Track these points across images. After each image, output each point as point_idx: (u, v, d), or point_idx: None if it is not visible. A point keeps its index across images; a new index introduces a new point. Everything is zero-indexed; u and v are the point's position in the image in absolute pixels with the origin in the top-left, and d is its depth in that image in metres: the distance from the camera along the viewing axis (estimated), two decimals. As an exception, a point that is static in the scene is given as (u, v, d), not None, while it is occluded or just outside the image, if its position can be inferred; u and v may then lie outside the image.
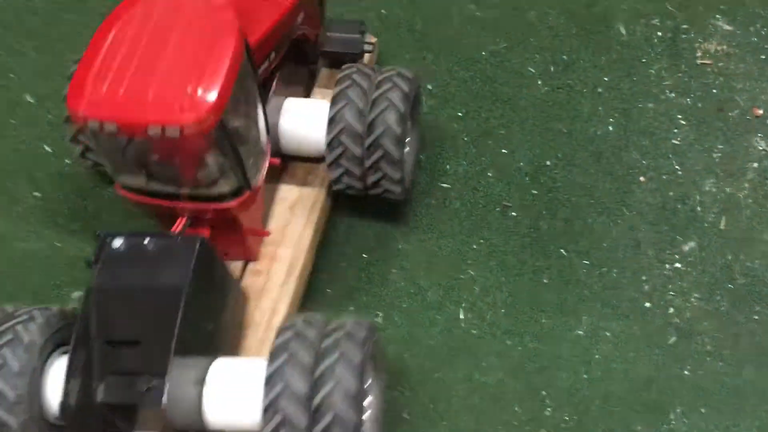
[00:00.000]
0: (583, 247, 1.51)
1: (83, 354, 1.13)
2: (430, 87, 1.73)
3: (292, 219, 1.44)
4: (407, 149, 1.48)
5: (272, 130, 1.42)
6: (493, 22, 1.84)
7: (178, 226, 1.26)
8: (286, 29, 1.41)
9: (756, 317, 1.43)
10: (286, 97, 1.47)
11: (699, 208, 1.56)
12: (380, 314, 1.44)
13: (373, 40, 1.68)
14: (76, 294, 1.46)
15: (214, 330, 1.22)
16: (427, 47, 1.79)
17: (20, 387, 1.12)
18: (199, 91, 1.12)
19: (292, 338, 1.15)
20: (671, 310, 1.44)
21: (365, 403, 1.17)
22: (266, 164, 1.34)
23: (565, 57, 1.78)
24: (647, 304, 1.45)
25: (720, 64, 1.75)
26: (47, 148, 1.69)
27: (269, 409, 1.11)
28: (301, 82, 1.57)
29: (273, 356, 1.13)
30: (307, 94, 1.59)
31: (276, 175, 1.48)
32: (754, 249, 1.50)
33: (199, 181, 1.24)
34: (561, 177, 1.61)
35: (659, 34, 1.80)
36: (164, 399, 1.09)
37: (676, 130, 1.67)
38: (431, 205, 1.58)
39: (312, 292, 1.44)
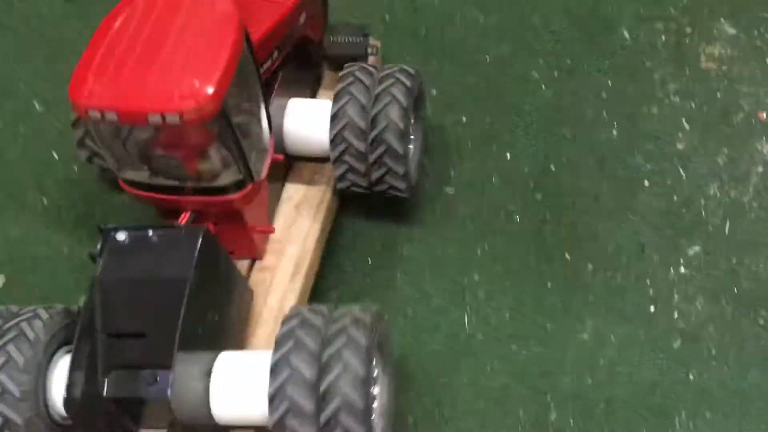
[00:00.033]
0: (588, 252, 1.51)
1: (87, 347, 1.13)
2: (434, 92, 1.74)
3: (299, 218, 1.45)
4: (412, 146, 1.49)
5: (277, 130, 1.43)
6: (497, 27, 1.85)
7: (182, 221, 1.27)
8: (288, 29, 1.43)
9: (761, 321, 1.43)
10: (290, 98, 1.48)
11: (704, 213, 1.56)
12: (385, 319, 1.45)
13: (377, 44, 1.69)
14: (84, 299, 1.47)
15: (220, 322, 1.22)
16: (431, 53, 1.80)
17: (25, 383, 1.13)
18: (199, 79, 1.13)
19: (297, 325, 1.14)
20: (676, 314, 1.44)
21: (374, 392, 1.16)
22: (269, 159, 1.34)
23: (569, 62, 1.78)
24: (652, 309, 1.45)
25: (724, 68, 1.75)
26: (55, 155, 1.70)
27: (275, 397, 1.09)
28: (306, 85, 1.58)
29: (278, 343, 1.12)
30: (312, 97, 1.61)
31: (282, 175, 1.49)
32: (759, 253, 1.50)
33: (202, 173, 1.25)
34: (565, 182, 1.61)
35: (663, 38, 1.80)
36: (169, 391, 1.08)
37: (680, 135, 1.67)
38: (436, 210, 1.59)
39: (317, 297, 1.45)
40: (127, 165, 1.26)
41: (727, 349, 1.39)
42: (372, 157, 1.40)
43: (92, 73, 1.15)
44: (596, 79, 1.75)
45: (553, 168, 1.63)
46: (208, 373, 1.16)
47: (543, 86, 1.75)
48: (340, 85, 1.43)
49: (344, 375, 1.09)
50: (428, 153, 1.63)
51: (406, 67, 1.48)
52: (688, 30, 1.81)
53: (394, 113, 1.39)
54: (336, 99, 1.42)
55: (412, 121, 1.49)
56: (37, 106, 1.78)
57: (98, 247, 1.19)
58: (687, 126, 1.68)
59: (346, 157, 1.42)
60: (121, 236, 1.19)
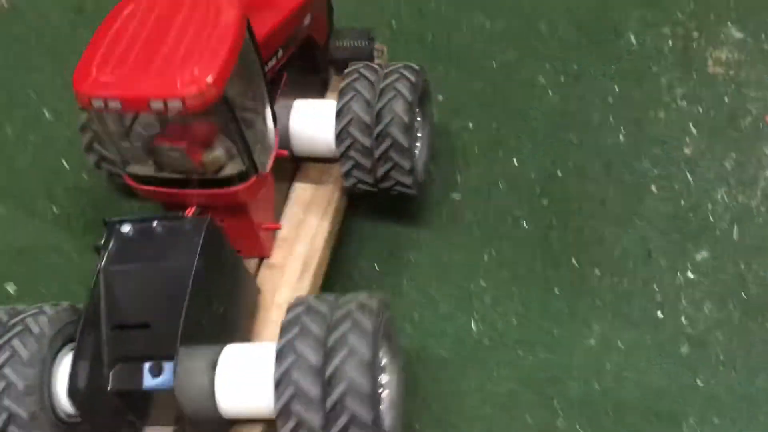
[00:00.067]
0: (595, 257, 1.51)
1: (91, 339, 1.12)
2: (440, 98, 1.74)
3: (307, 218, 1.46)
4: (419, 144, 1.49)
5: (283, 130, 1.44)
6: (503, 33, 1.85)
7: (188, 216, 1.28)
8: (293, 29, 1.44)
9: (769, 326, 1.42)
10: (296, 99, 1.49)
11: (711, 218, 1.55)
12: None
13: (383, 47, 1.70)
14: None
15: (225, 315, 1.21)
16: (437, 58, 1.81)
17: (29, 377, 1.12)
18: (201, 67, 1.15)
19: (303, 312, 1.13)
20: (683, 319, 1.44)
21: (382, 380, 1.16)
22: (273, 153, 1.35)
23: (575, 67, 1.78)
24: (659, 314, 1.44)
25: (731, 73, 1.75)
26: (65, 164, 1.72)
27: (281, 382, 1.09)
28: (313, 88, 1.59)
29: (284, 330, 1.12)
30: None
31: (289, 175, 1.50)
32: (766, 258, 1.50)
33: (206, 165, 1.26)
34: (572, 187, 1.61)
35: (670, 43, 1.80)
36: (173, 380, 1.07)
37: (687, 139, 1.66)
38: (442, 216, 1.59)
39: (324, 303, 1.46)
40: (132, 159, 1.27)
41: (735, 354, 1.39)
42: (377, 152, 1.41)
43: (95, 65, 1.17)
44: (603, 84, 1.75)
45: (559, 173, 1.63)
46: (214, 365, 1.16)
47: (549, 91, 1.75)
48: (344, 82, 1.44)
49: (350, 359, 1.08)
50: (435, 159, 1.63)
51: (410, 64, 1.48)
52: (695, 35, 1.81)
53: (399, 107, 1.40)
54: (341, 95, 1.43)
55: (419, 118, 1.49)
56: (47, 114, 1.80)
57: (103, 239, 1.19)
58: (694, 130, 1.68)
59: (352, 153, 1.42)
60: (126, 228, 1.20)
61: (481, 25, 1.87)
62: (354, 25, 1.75)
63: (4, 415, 1.11)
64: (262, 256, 1.39)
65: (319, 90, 1.62)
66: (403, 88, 1.42)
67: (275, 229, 1.41)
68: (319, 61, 1.59)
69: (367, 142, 1.40)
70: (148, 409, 1.14)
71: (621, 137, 1.67)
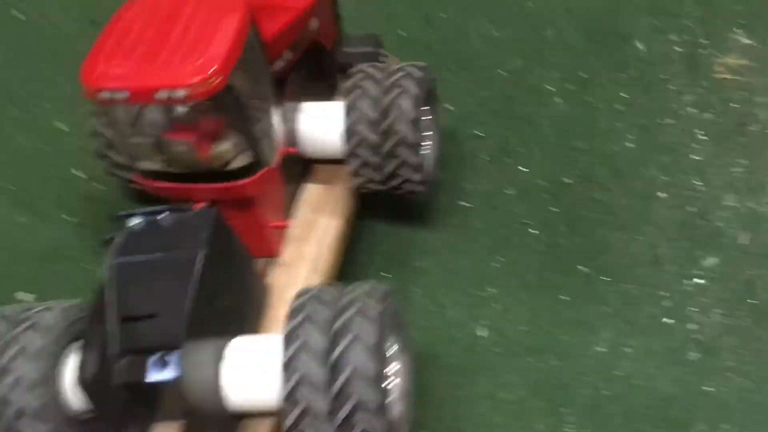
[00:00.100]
0: (603, 264, 1.52)
1: (100, 331, 1.13)
2: (448, 106, 1.75)
3: (317, 219, 1.47)
4: (427, 142, 1.50)
5: (292, 132, 1.46)
6: (511, 40, 1.86)
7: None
8: (300, 32, 1.47)
9: (779, 332, 1.42)
10: (304, 101, 1.51)
11: (720, 224, 1.55)
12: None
13: (388, 55, 1.72)
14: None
15: (232, 308, 1.22)
16: (445, 67, 1.82)
17: (38, 370, 1.13)
18: (205, 58, 1.18)
19: (309, 299, 1.14)
20: (693, 326, 1.44)
21: (392, 369, 1.16)
22: (280, 149, 1.37)
23: (583, 74, 1.79)
24: (668, 320, 1.45)
25: (740, 79, 1.75)
26: (77, 173, 1.74)
27: (288, 367, 1.09)
28: (321, 93, 1.61)
29: (291, 316, 1.12)
30: None
31: (299, 176, 1.51)
32: (776, 264, 1.50)
33: (213, 158, 1.27)
34: (580, 194, 1.62)
35: (678, 49, 1.81)
36: (179, 372, 1.08)
37: (696, 146, 1.67)
38: (451, 223, 1.60)
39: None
40: (140, 155, 1.29)
41: (745, 360, 1.39)
42: (385, 148, 1.41)
43: (103, 59, 1.20)
44: (611, 91, 1.75)
45: (567, 180, 1.64)
46: (220, 357, 1.16)
47: (557, 99, 1.76)
48: (351, 81, 1.46)
49: (356, 343, 1.08)
50: (443, 166, 1.64)
51: (416, 62, 1.50)
52: (703, 41, 1.81)
53: (405, 103, 1.41)
54: (347, 93, 1.45)
55: (427, 116, 1.50)
56: (60, 125, 1.83)
57: (112, 234, 1.21)
58: (702, 137, 1.68)
59: (360, 150, 1.43)
60: (134, 221, 1.22)
61: (489, 33, 1.88)
62: (361, 33, 1.77)
63: (13, 408, 1.12)
64: (271, 255, 1.40)
65: (327, 94, 1.64)
66: (409, 84, 1.43)
67: (284, 228, 1.42)
68: (327, 66, 1.61)
69: (374, 139, 1.41)
70: (157, 402, 1.14)
71: (629, 144, 1.68)
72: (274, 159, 1.34)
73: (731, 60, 1.78)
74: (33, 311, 1.19)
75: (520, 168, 1.66)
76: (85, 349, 1.13)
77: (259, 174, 1.30)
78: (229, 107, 1.23)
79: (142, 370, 1.11)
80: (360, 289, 1.16)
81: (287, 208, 1.46)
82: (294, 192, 1.50)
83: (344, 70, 1.64)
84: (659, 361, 1.40)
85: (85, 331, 1.14)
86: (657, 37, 1.83)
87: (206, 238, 1.17)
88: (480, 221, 1.60)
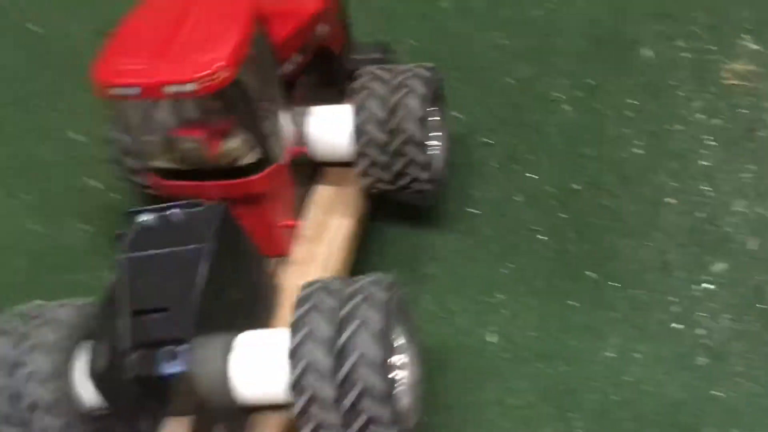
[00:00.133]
0: (612, 270, 1.52)
1: (111, 324, 1.15)
2: (457, 114, 1.77)
3: (327, 220, 1.49)
4: (436, 142, 1.52)
5: (302, 136, 1.49)
6: (519, 48, 1.88)
7: None
8: (308, 36, 1.51)
9: (789, 337, 1.42)
10: (313, 105, 1.54)
11: (729, 229, 1.55)
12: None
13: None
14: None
15: (242, 303, 1.24)
16: (453, 75, 1.83)
17: (52, 363, 1.15)
18: (213, 53, 1.22)
19: (316, 289, 1.16)
20: (701, 331, 1.44)
21: (399, 361, 1.17)
22: (289, 147, 1.39)
23: (591, 81, 1.80)
24: (677, 326, 1.45)
25: (748, 84, 1.75)
26: (93, 183, 1.77)
27: (294, 355, 1.10)
28: (331, 98, 1.63)
29: (297, 305, 1.14)
30: None
31: (309, 178, 1.54)
32: (785, 269, 1.50)
33: (223, 155, 1.30)
34: (589, 201, 1.62)
35: (685, 55, 1.81)
36: (188, 365, 1.10)
37: (704, 152, 1.67)
38: (460, 230, 1.62)
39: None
40: (151, 153, 1.33)
41: (754, 365, 1.39)
42: (393, 147, 1.43)
43: (113, 57, 1.25)
44: (619, 98, 1.76)
45: (576, 187, 1.65)
46: (229, 350, 1.18)
47: (565, 106, 1.77)
48: (359, 81, 1.49)
49: (362, 329, 1.09)
50: (452, 174, 1.66)
51: (423, 63, 1.53)
52: (711, 47, 1.82)
53: (413, 101, 1.44)
54: (355, 93, 1.47)
55: (435, 117, 1.53)
56: (76, 137, 1.86)
57: (124, 230, 1.24)
58: (711, 143, 1.68)
59: (368, 150, 1.45)
60: (145, 217, 1.25)
61: (497, 42, 1.90)
62: (371, 40, 1.79)
63: (27, 401, 1.14)
64: (281, 254, 1.42)
65: (336, 99, 1.66)
66: (416, 83, 1.46)
67: (293, 227, 1.45)
68: (336, 72, 1.64)
69: (382, 138, 1.44)
70: (168, 397, 1.16)
71: (637, 150, 1.69)
72: (283, 157, 1.37)
73: (739, 66, 1.78)
74: (47, 308, 1.22)
75: (529, 175, 1.67)
76: (96, 343, 1.15)
77: (267, 170, 1.33)
78: (237, 103, 1.26)
79: (152, 364, 1.13)
80: (366, 279, 1.18)
81: (297, 209, 1.49)
82: (304, 194, 1.52)
83: (353, 75, 1.67)
84: (668, 367, 1.40)
85: (96, 324, 1.17)
86: (665, 43, 1.84)
87: (214, 232, 1.20)
88: (489, 228, 1.61)
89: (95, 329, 1.16)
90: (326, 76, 1.61)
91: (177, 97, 1.22)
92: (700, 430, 1.33)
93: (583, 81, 1.80)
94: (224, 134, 1.31)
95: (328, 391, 1.09)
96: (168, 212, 1.25)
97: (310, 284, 1.19)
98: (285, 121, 1.41)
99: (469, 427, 1.37)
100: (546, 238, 1.58)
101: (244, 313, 1.25)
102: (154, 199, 1.36)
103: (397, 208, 1.60)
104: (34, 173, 1.84)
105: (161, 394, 1.16)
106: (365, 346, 1.09)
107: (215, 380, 1.17)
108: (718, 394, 1.36)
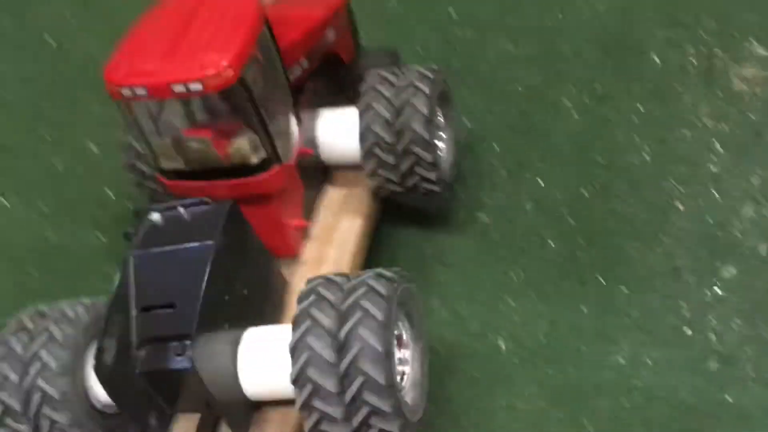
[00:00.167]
0: (622, 275, 1.53)
1: (120, 321, 1.18)
2: (467, 122, 1.78)
3: (337, 223, 1.51)
4: (443, 143, 1.54)
5: (311, 139, 1.53)
6: (528, 57, 1.89)
7: None
8: (315, 42, 1.55)
9: (800, 342, 1.42)
10: (322, 109, 1.57)
11: (739, 234, 1.56)
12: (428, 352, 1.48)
13: None
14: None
15: (248, 297, 1.26)
16: (463, 84, 1.85)
17: (63, 358, 1.18)
18: (219, 52, 1.27)
19: (319, 283, 1.18)
20: (712, 336, 1.44)
21: (403, 355, 1.18)
22: (297, 148, 1.43)
23: (599, 88, 1.81)
24: (688, 331, 1.45)
25: (757, 90, 1.75)
26: (110, 193, 1.80)
27: (296, 348, 1.12)
28: (340, 104, 1.66)
29: (300, 299, 1.16)
30: None
31: (319, 181, 1.57)
32: (796, 274, 1.50)
33: (231, 155, 1.33)
34: (598, 207, 1.63)
35: (694, 61, 1.82)
36: (194, 359, 1.12)
37: (713, 157, 1.67)
38: (470, 237, 1.63)
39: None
40: (162, 155, 1.36)
41: (765, 369, 1.39)
42: (400, 147, 1.46)
43: (124, 60, 1.30)
44: (627, 104, 1.77)
45: (585, 193, 1.65)
46: (237, 345, 1.20)
47: (574, 113, 1.78)
48: (365, 84, 1.52)
49: (363, 321, 1.11)
50: (462, 181, 1.67)
51: (428, 65, 1.55)
52: (719, 53, 1.82)
53: (418, 101, 1.46)
54: (362, 96, 1.50)
55: (441, 118, 1.55)
56: (93, 148, 1.90)
57: (134, 229, 1.28)
58: (720, 148, 1.68)
59: (376, 150, 1.47)
60: (154, 216, 1.28)
61: (506, 50, 1.91)
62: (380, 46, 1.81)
63: (38, 395, 1.17)
64: (291, 255, 1.45)
65: (346, 104, 1.68)
66: (421, 84, 1.48)
67: (303, 227, 1.47)
68: (345, 78, 1.67)
69: (389, 138, 1.46)
70: (175, 391, 1.18)
71: (646, 156, 1.69)
72: (291, 157, 1.40)
73: (748, 71, 1.78)
74: (62, 306, 1.25)
75: (538, 181, 1.68)
76: (103, 338, 1.17)
77: (275, 169, 1.36)
78: (243, 102, 1.29)
79: (159, 359, 1.15)
80: (369, 273, 1.20)
81: (308, 210, 1.51)
82: (315, 196, 1.55)
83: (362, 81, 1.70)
84: (679, 372, 1.40)
85: (104, 321, 1.19)
86: (673, 49, 1.84)
87: (220, 229, 1.23)
88: (498, 234, 1.62)
89: (103, 325, 1.19)
90: (335, 81, 1.64)
91: (183, 96, 1.26)
92: (712, 434, 1.34)
93: (590, 88, 1.81)
94: (232, 134, 1.34)
95: (329, 383, 1.11)
96: (176, 211, 1.28)
97: (313, 278, 1.21)
98: (293, 122, 1.44)
99: (480, 431, 1.38)
100: (555, 244, 1.59)
101: (252, 310, 1.27)
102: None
103: (407, 215, 1.62)
104: (50, 183, 1.87)
105: (168, 389, 1.18)
106: (366, 338, 1.10)
107: (223, 375, 1.19)
108: (729, 398, 1.36)
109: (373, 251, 1.58)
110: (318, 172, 1.55)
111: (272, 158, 1.35)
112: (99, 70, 1.99)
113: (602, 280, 1.53)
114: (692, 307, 1.48)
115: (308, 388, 1.10)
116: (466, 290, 1.55)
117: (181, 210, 1.27)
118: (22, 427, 1.17)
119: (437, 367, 1.44)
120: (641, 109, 1.76)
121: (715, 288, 1.50)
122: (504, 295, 1.53)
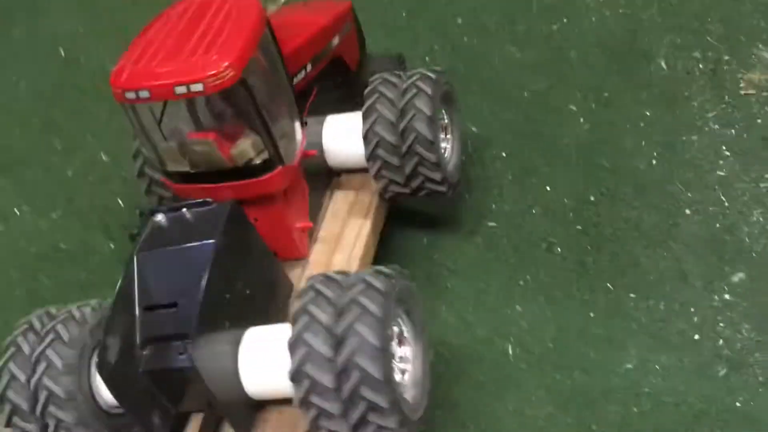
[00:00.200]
0: (630, 281, 1.53)
1: (123, 320, 1.19)
2: (473, 128, 1.79)
3: (345, 227, 1.52)
4: (447, 145, 1.55)
5: (317, 144, 1.54)
6: (534, 63, 1.89)
7: None
8: (321, 47, 1.57)
9: (810, 347, 1.41)
10: (327, 114, 1.59)
11: (747, 239, 1.55)
12: (430, 351, 1.48)
13: None
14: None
15: (251, 296, 1.27)
16: (470, 90, 1.85)
17: (69, 357, 1.20)
18: (220, 54, 1.29)
19: (318, 281, 1.19)
20: (721, 341, 1.43)
21: (404, 353, 1.19)
22: (300, 149, 1.44)
23: (606, 94, 1.81)
24: (696, 336, 1.45)
25: (764, 94, 1.75)
26: (120, 202, 1.82)
27: (295, 344, 1.13)
28: (346, 110, 1.67)
29: (299, 296, 1.17)
30: None
31: (325, 184, 1.59)
32: (805, 278, 1.49)
33: (234, 157, 1.35)
34: (605, 212, 1.63)
35: (701, 66, 1.82)
36: (195, 357, 1.13)
37: (721, 162, 1.67)
38: (478, 243, 1.63)
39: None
40: (168, 158, 1.39)
41: (775, 375, 1.38)
42: (404, 147, 1.47)
43: (130, 64, 1.33)
44: (634, 110, 1.77)
45: (592, 198, 1.65)
46: (238, 344, 1.21)
47: (581, 119, 1.78)
48: (369, 87, 1.53)
49: (360, 317, 1.12)
50: (469, 187, 1.67)
51: (431, 67, 1.57)
52: (726, 57, 1.82)
53: (421, 102, 1.47)
54: (366, 98, 1.51)
55: (445, 119, 1.55)
56: (103, 157, 1.91)
57: (138, 229, 1.30)
58: (727, 153, 1.68)
59: (380, 152, 1.48)
60: (158, 216, 1.30)
61: (512, 56, 1.91)
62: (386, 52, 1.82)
63: (45, 394, 1.19)
64: (297, 257, 1.46)
65: (352, 109, 1.69)
66: (424, 85, 1.49)
67: (308, 228, 1.48)
68: (351, 84, 1.68)
69: (393, 139, 1.47)
70: (179, 390, 1.19)
71: (653, 161, 1.69)
72: (294, 158, 1.41)
73: (755, 76, 1.78)
74: (70, 307, 1.27)
75: (545, 187, 1.69)
76: (106, 336, 1.19)
77: (278, 170, 1.37)
78: (245, 103, 1.31)
79: (163, 358, 1.17)
80: (367, 270, 1.21)
81: (315, 213, 1.52)
82: (322, 199, 1.56)
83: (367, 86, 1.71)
84: (688, 377, 1.40)
85: (108, 318, 1.21)
86: (680, 54, 1.84)
87: (221, 229, 1.25)
88: (506, 240, 1.62)
89: (106, 322, 1.21)
90: (341, 86, 1.65)
91: (185, 98, 1.28)
92: (721, 440, 1.33)
93: (597, 93, 1.81)
94: (235, 136, 1.36)
95: (327, 378, 1.12)
96: (180, 211, 1.29)
97: (314, 276, 1.22)
98: (296, 124, 1.45)
99: (488, 438, 1.38)
100: (562, 249, 1.59)
101: (254, 309, 1.28)
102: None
103: (415, 221, 1.62)
104: (62, 192, 1.89)
105: (171, 388, 1.19)
106: (363, 333, 1.11)
107: (224, 374, 1.20)
108: (739, 404, 1.36)
109: (381, 256, 1.59)
110: (323, 175, 1.56)
111: (275, 159, 1.37)
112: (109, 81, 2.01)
113: (610, 286, 1.53)
114: (700, 312, 1.47)
115: (306, 383, 1.11)
116: (474, 295, 1.55)
117: (184, 211, 1.29)
118: (30, 426, 1.19)
119: (444, 372, 1.44)
120: (648, 114, 1.76)
121: (724, 293, 1.49)
122: (511, 301, 1.53)
